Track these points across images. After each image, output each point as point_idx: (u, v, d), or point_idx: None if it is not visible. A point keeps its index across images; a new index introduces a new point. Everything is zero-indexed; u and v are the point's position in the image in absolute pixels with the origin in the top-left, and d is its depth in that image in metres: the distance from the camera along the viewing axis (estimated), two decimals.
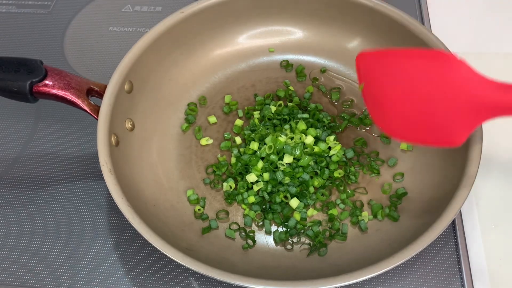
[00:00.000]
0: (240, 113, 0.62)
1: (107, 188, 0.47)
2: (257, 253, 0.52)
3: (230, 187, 0.55)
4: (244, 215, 0.54)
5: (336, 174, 0.55)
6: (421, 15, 0.72)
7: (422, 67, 0.43)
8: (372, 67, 0.47)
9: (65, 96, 0.51)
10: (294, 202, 0.53)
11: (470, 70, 0.41)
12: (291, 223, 0.53)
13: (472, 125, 0.42)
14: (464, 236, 0.53)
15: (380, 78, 0.46)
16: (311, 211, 0.54)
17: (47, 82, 0.51)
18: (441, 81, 0.42)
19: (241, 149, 0.57)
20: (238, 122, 0.61)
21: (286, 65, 0.65)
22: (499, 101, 0.40)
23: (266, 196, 0.54)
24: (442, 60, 0.43)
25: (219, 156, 0.58)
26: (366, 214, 0.53)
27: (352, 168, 0.56)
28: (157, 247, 0.44)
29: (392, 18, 0.58)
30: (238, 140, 0.59)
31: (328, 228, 0.53)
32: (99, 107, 0.51)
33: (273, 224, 0.54)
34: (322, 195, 0.54)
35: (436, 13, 0.72)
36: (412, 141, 0.48)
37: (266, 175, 0.55)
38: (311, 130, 0.56)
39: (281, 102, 0.61)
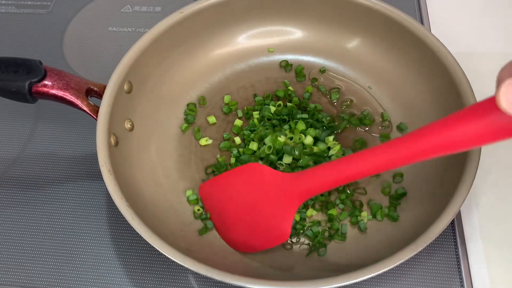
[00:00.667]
0: (240, 113, 0.62)
1: (107, 189, 0.47)
2: (256, 253, 0.52)
3: None
4: None
5: None
6: (421, 15, 0.72)
7: (239, 182, 0.51)
8: (210, 194, 0.54)
9: (64, 96, 0.51)
10: None
11: (272, 171, 0.49)
12: None
13: (290, 214, 0.48)
14: (464, 236, 0.52)
15: (217, 201, 0.53)
16: (310, 211, 0.54)
17: (46, 82, 0.50)
18: (255, 188, 0.50)
19: (241, 150, 0.57)
20: (238, 122, 0.61)
21: (286, 65, 0.65)
22: (298, 188, 0.47)
23: None
24: (249, 171, 0.51)
25: (218, 156, 0.58)
26: (365, 214, 0.53)
27: None
28: (157, 248, 0.43)
29: (391, 18, 0.58)
30: (237, 140, 0.59)
31: (327, 228, 0.53)
32: (98, 107, 0.51)
33: None
34: (322, 195, 0.54)
35: (436, 13, 0.72)
36: (257, 249, 0.51)
37: None
38: (311, 130, 0.56)
39: (280, 102, 0.61)
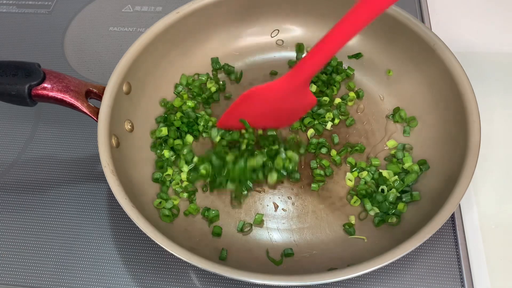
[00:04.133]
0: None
1: (107, 189, 0.47)
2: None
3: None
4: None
5: None
6: (421, 14, 0.72)
7: (247, 106, 0.55)
8: (229, 122, 0.58)
9: (64, 98, 0.51)
10: None
11: (266, 87, 0.53)
12: None
13: (306, 92, 0.54)
14: (464, 236, 0.52)
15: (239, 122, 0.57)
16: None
17: (45, 85, 0.50)
18: (265, 103, 0.55)
19: None
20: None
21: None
22: (299, 79, 0.51)
23: None
24: (249, 97, 0.54)
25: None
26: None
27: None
28: (164, 247, 0.43)
29: (392, 16, 0.58)
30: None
31: None
32: (98, 109, 0.51)
33: None
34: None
35: (437, 12, 0.72)
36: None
37: None
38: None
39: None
